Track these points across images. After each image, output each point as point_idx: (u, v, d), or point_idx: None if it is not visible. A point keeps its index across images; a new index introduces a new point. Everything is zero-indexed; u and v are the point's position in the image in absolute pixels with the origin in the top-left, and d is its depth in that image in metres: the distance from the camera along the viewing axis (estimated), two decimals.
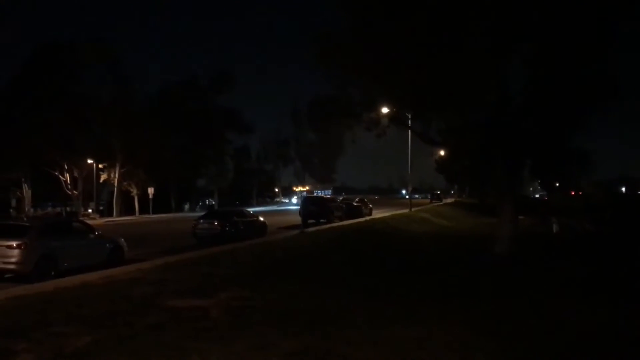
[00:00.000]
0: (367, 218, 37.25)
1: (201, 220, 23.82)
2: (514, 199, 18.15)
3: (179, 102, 64.61)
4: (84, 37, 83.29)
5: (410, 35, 14.10)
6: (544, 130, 17.32)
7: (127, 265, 14.68)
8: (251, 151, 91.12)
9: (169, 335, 7.37)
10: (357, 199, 47.41)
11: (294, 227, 29.63)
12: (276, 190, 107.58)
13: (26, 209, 53.22)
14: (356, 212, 38.71)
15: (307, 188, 70.53)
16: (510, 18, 13.77)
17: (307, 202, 33.99)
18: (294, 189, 78.81)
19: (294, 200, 73.59)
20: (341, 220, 33.74)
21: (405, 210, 44.71)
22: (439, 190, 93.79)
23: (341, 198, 50.98)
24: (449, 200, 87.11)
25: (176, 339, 7.12)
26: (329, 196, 40.84)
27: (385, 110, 19.67)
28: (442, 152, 51.91)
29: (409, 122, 21.17)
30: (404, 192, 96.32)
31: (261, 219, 26.44)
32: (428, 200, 79.90)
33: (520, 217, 25.18)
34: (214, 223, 23.18)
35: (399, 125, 20.80)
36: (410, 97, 16.37)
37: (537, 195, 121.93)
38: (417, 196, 77.52)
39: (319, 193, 76.49)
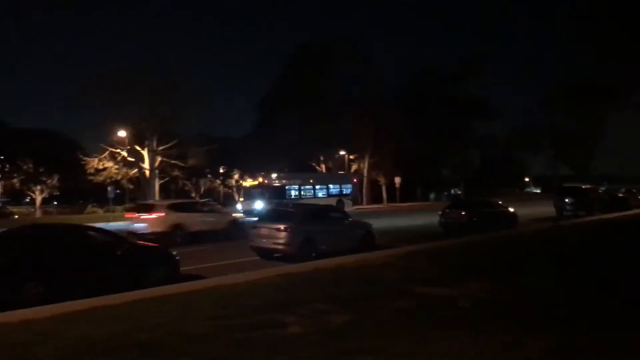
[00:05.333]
0: (637, 211, 32.93)
1: (447, 210, 23.80)
2: None
3: (423, 92, 65.31)
4: (335, 35, 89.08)
5: None
6: None
7: (377, 251, 15.39)
8: (498, 139, 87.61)
9: (417, 321, 7.45)
10: (623, 190, 42.34)
11: (548, 219, 27.68)
12: (526, 179, 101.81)
13: None
14: (622, 204, 34.55)
15: (260, 180, 40.20)
16: None
17: (564, 192, 31.43)
18: (242, 183, 46.52)
19: (238, 206, 41.63)
20: (603, 212, 30.44)
21: None
22: None
23: (603, 188, 45.95)
24: None
25: (424, 326, 7.16)
26: (588, 186, 36.17)
27: None
28: None
29: None
30: None
31: (511, 209, 25.28)
32: None
33: None
34: (461, 213, 22.96)
35: None
36: None
37: None
38: None
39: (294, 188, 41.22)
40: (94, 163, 46.06)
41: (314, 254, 14.81)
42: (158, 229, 20.20)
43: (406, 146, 56.12)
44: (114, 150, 45.26)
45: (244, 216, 34.24)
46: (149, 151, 44.83)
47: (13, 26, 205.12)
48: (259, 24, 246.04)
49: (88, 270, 10.46)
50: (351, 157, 59.17)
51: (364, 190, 59.05)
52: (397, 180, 56.37)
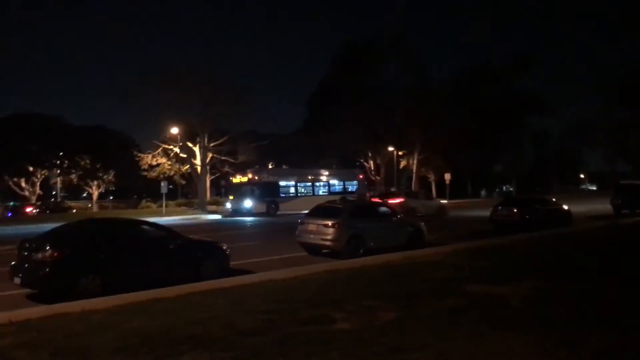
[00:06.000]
0: None
1: (499, 207, 23.39)
2: None
3: (474, 87, 63.95)
4: (384, 30, 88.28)
5: None
6: None
7: (426, 248, 15.27)
8: (553, 135, 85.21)
9: (466, 319, 7.35)
10: None
11: (604, 217, 26.77)
12: (581, 176, 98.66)
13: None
14: None
15: (250, 176, 37.54)
16: None
17: (621, 190, 30.32)
18: (232, 180, 40.82)
19: (228, 205, 38.95)
20: None
21: None
22: None
23: None
24: None
25: (474, 324, 7.07)
26: None
27: None
28: None
29: None
30: None
31: (565, 207, 24.57)
32: None
33: None
34: (512, 210, 22.51)
35: None
36: None
37: None
38: None
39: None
40: (148, 159, 47.42)
41: (361, 251, 14.79)
42: (401, 211, 26.29)
43: (456, 142, 55.13)
44: (167, 146, 46.43)
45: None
46: (200, 147, 45.74)
47: (71, 26, 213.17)
48: (308, 21, 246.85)
49: (142, 263, 10.78)
50: (400, 153, 58.69)
51: (413, 187, 58.50)
52: (447, 176, 55.47)
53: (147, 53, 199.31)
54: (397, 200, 30.28)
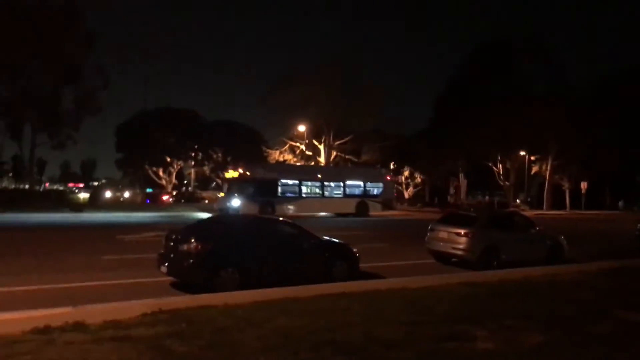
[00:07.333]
0: None
1: None
2: None
3: (619, 89, 58.79)
4: (516, 30, 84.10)
5: None
6: None
7: (567, 265, 14.27)
8: None
9: (619, 349, 6.74)
10: None
11: None
12: None
13: (462, 197, 57.88)
14: None
15: (241, 171, 33.29)
16: None
17: None
18: (219, 176, 34.10)
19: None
20: None
21: None
22: None
23: None
24: None
25: (627, 355, 6.50)
26: None
27: None
28: None
29: None
30: None
31: None
32: None
33: None
34: None
35: None
36: None
37: None
38: None
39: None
40: (275, 155, 49.11)
41: (495, 263, 14.13)
42: None
43: (595, 150, 51.05)
44: (293, 143, 47.78)
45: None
46: (325, 146, 46.57)
47: (207, 30, 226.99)
48: (438, 21, 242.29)
49: (278, 260, 11.04)
50: (532, 158, 55.67)
51: (545, 194, 55.26)
52: (584, 185, 51.79)
53: (275, 51, 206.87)
54: None
